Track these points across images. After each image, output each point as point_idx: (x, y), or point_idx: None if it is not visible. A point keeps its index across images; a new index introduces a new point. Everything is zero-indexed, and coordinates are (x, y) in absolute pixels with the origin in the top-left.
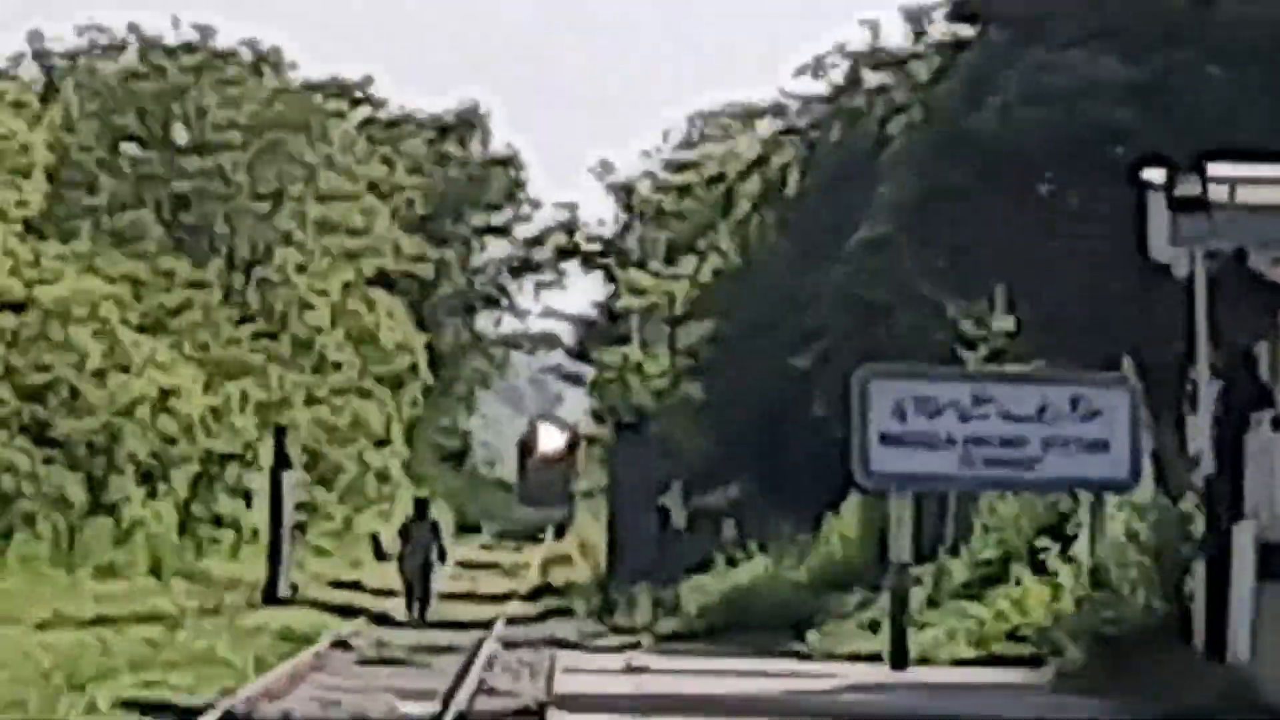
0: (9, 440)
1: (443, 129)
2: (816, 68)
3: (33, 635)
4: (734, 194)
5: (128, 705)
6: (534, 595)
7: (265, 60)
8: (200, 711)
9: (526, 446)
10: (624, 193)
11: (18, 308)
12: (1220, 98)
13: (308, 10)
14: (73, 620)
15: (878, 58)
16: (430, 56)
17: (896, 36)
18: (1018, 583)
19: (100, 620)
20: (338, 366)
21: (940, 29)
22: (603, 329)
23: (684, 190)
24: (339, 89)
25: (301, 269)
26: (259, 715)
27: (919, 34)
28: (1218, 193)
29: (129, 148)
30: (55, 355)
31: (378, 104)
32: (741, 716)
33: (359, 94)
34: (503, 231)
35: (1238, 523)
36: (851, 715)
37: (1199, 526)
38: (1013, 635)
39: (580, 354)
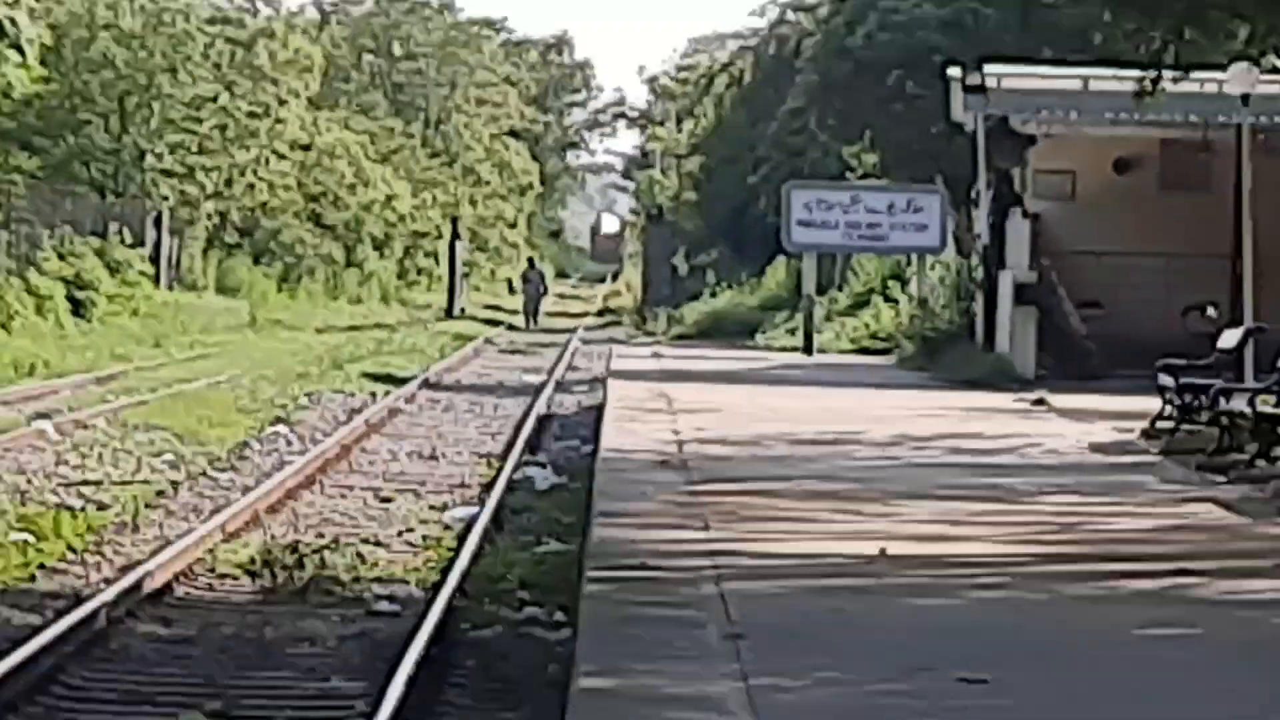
0: (300, 224)
1: (547, 46)
2: (763, 11)
3: (313, 336)
4: (713, 84)
5: (367, 375)
6: (600, 314)
7: (446, 6)
8: (409, 379)
9: (595, 228)
10: (651, 83)
11: (305, 148)
12: (993, 27)
13: None
14: (335, 328)
15: (795, 3)
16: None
17: None
18: (875, 307)
19: (352, 328)
20: (487, 182)
21: None
22: (638, 160)
23: (683, 83)
24: (487, 22)
25: (467, 126)
26: (445, 380)
27: None
28: (990, 82)
29: (367, 56)
30: (326, 175)
31: (509, 30)
32: (718, 379)
33: (497, 26)
34: (581, 105)
35: (1001, 271)
36: (781, 376)
37: (979, 274)
38: (873, 337)
39: (626, 174)
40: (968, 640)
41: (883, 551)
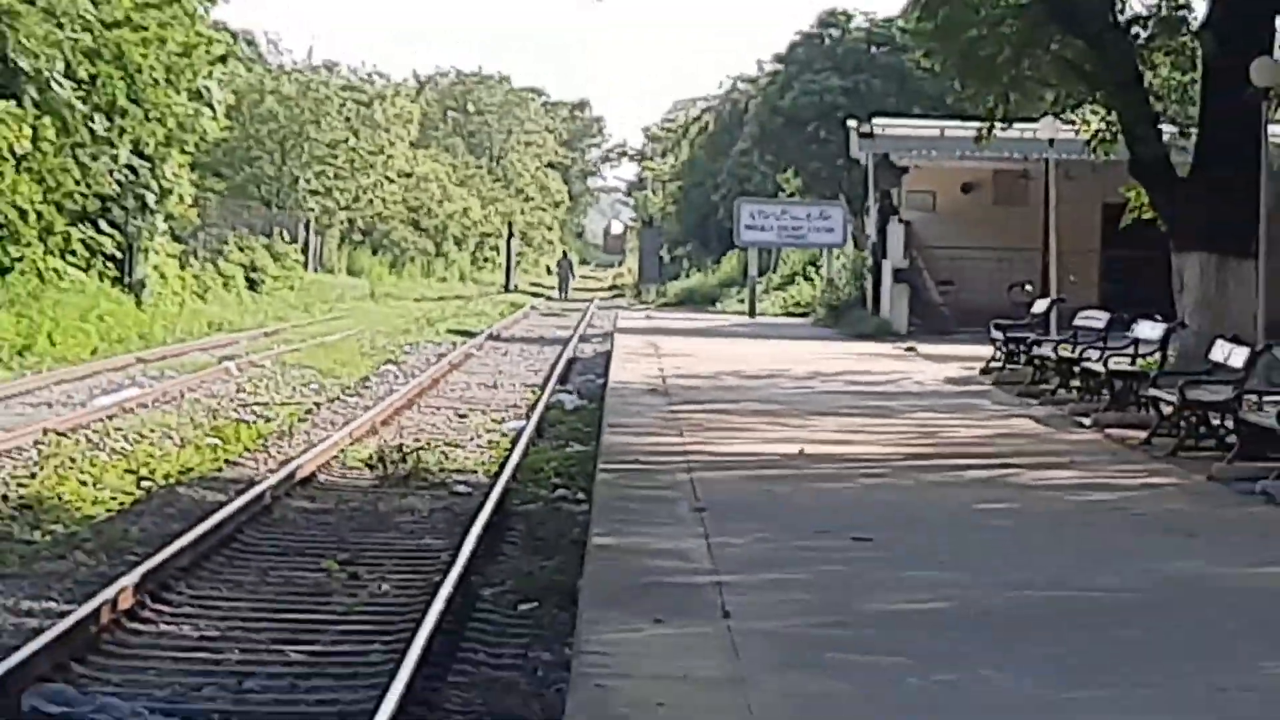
0: (404, 227)
1: (573, 106)
2: (721, 84)
3: (413, 304)
4: (688, 132)
5: (450, 331)
6: (609, 290)
7: (505, 79)
8: (479, 334)
9: (606, 230)
10: (645, 131)
11: (407, 175)
12: (879, 92)
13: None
14: (428, 299)
15: (744, 78)
16: (562, 77)
17: (750, 64)
18: (798, 284)
19: (439, 298)
20: (532, 199)
21: (769, 65)
22: (636, 184)
23: (668, 131)
24: (533, 90)
25: (519, 160)
26: (504, 334)
27: (760, 64)
28: (876, 130)
29: (451, 113)
30: (421, 194)
31: (547, 95)
32: (690, 334)
33: (539, 91)
34: (596, 145)
35: (884, 260)
36: (732, 332)
37: (869, 262)
38: (796, 304)
39: (627, 193)
40: (858, 512)
41: (801, 451)
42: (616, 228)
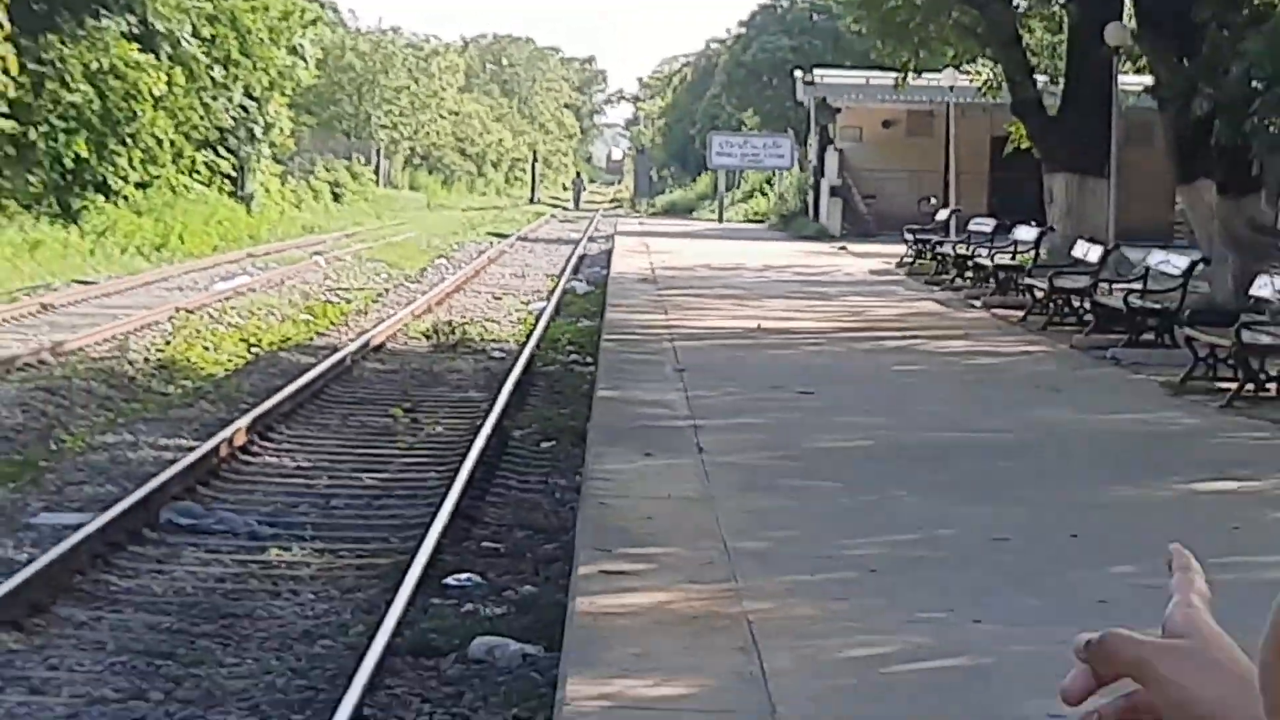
0: (453, 154)
1: (583, 61)
2: (699, 45)
3: (460, 213)
4: (672, 81)
5: (489, 233)
6: (611, 203)
7: (530, 39)
8: (511, 235)
9: (609, 157)
10: (639, 80)
11: (455, 114)
12: (819, 51)
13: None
14: (472, 209)
15: (715, 40)
16: (575, 38)
17: (721, 29)
18: (756, 198)
19: (480, 208)
20: (551, 132)
21: (735, 29)
22: (631, 120)
23: (657, 80)
24: (552, 48)
25: (542, 103)
26: (529, 236)
27: (728, 30)
28: (817, 78)
29: (490, 65)
30: (466, 128)
31: (562, 51)
32: (673, 236)
33: (557, 49)
34: (601, 91)
35: (822, 179)
36: (705, 235)
37: (811, 181)
38: (755, 214)
39: (625, 127)
40: (802, 373)
41: (759, 326)
42: (616, 154)
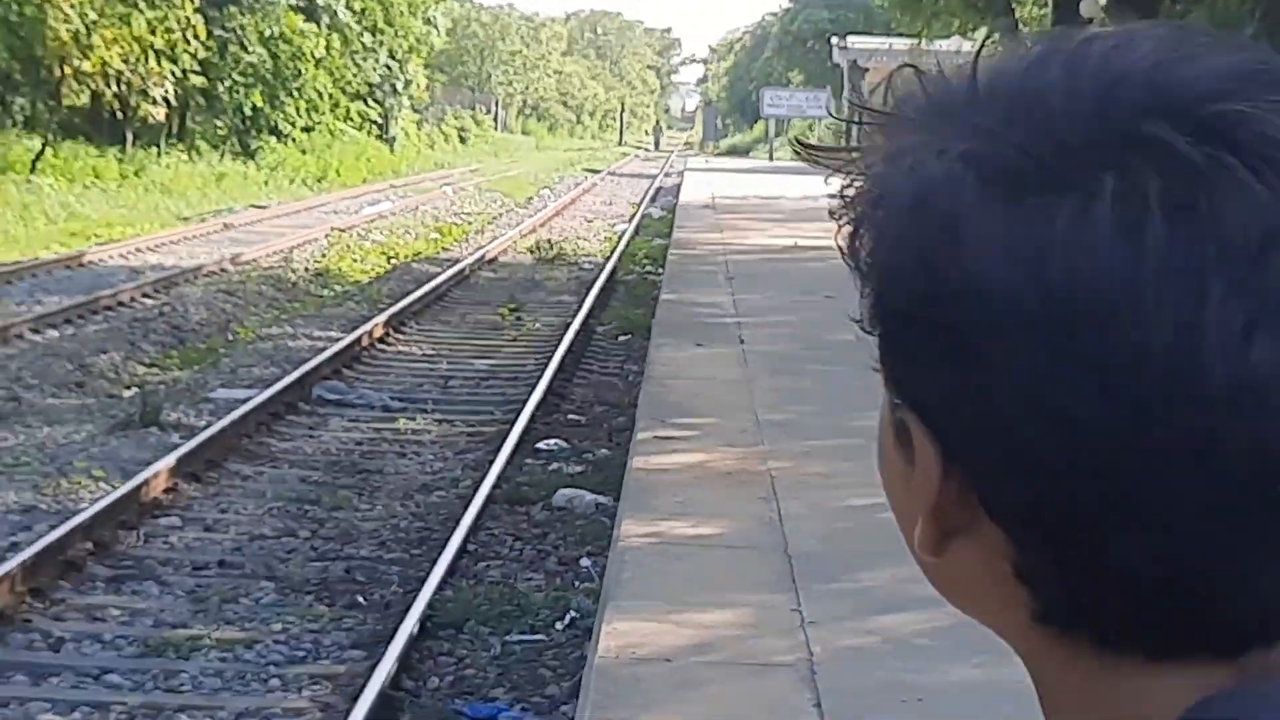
0: (557, 105)
1: (662, 31)
2: (757, 17)
3: (562, 154)
4: (734, 48)
5: (585, 169)
6: (684, 145)
7: (620, 14)
8: (602, 170)
9: (683, 108)
10: (709, 47)
11: (559, 73)
12: (851, 22)
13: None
14: (572, 149)
15: (770, 12)
16: (655, 11)
17: (775, 4)
18: (800, 139)
19: (578, 150)
20: (635, 88)
21: (784, 3)
22: (701, 79)
23: (724, 46)
24: (638, 21)
25: (630, 65)
26: (617, 171)
27: (780, 4)
28: (850, 44)
29: (587, 34)
30: (568, 85)
31: (645, 24)
32: (731, 172)
33: (642, 22)
34: (677, 55)
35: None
36: (757, 170)
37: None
38: (797, 154)
39: (696, 84)
40: (829, 281)
41: (795, 243)
42: (689, 106)
